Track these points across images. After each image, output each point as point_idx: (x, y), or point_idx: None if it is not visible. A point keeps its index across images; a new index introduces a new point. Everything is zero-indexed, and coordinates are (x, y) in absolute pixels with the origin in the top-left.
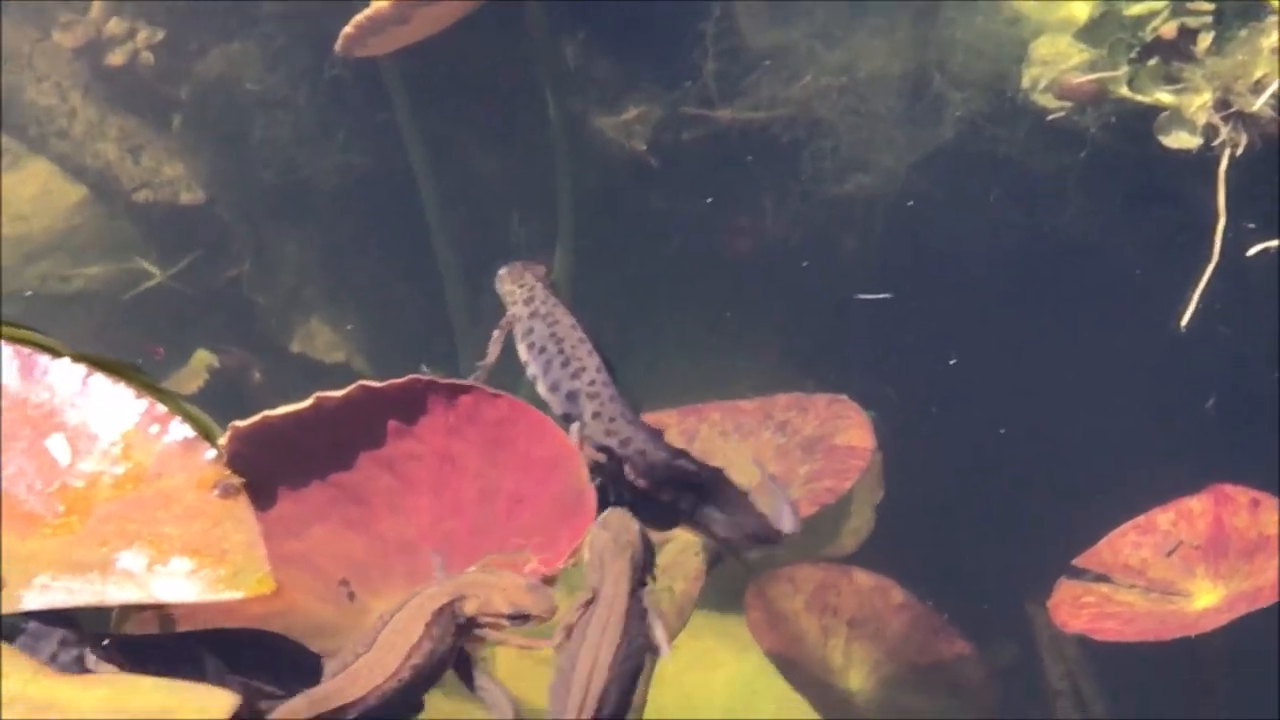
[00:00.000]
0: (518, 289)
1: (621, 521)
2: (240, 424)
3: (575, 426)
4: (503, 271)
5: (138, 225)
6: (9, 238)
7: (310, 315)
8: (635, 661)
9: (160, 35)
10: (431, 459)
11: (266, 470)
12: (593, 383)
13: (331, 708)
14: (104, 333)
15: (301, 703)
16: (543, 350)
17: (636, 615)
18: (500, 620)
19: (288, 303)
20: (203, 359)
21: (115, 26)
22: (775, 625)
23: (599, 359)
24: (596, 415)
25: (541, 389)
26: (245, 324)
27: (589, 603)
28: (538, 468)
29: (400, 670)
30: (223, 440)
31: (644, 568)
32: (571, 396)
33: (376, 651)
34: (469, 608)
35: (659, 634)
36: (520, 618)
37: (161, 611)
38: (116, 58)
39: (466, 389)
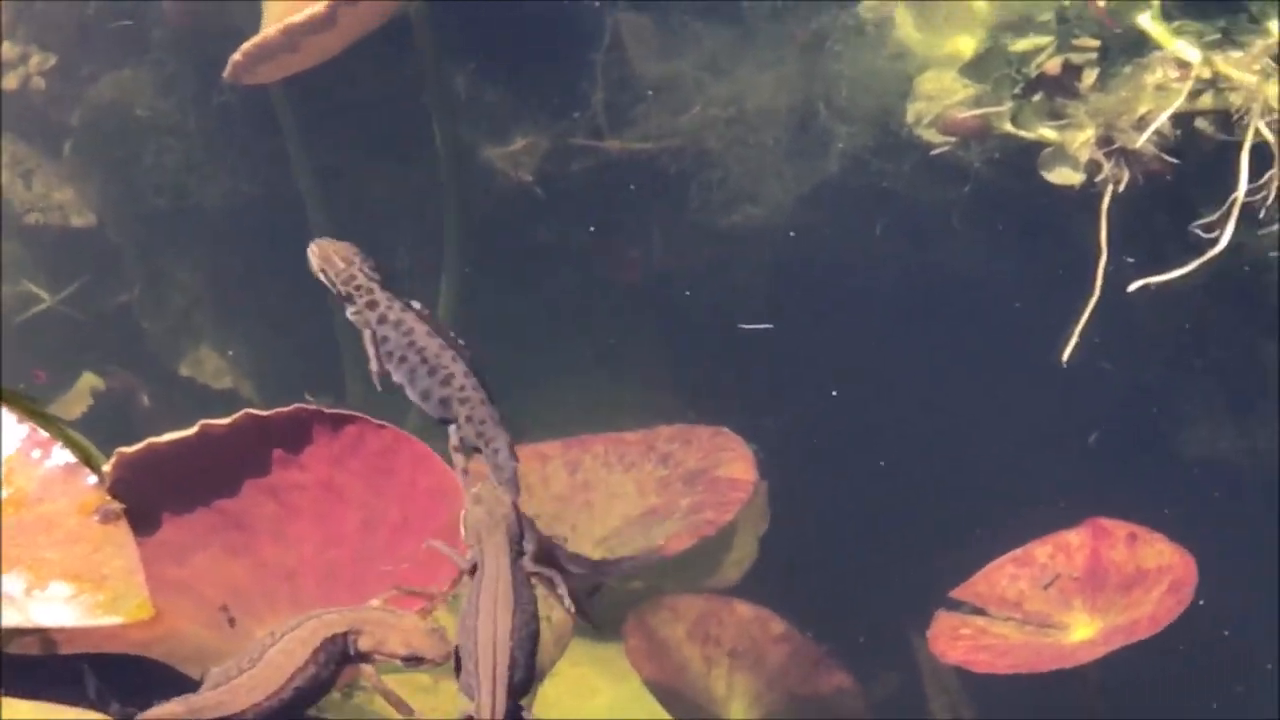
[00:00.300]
0: (342, 281)
1: (494, 495)
2: (126, 450)
3: (452, 429)
4: (313, 248)
5: (28, 248)
6: None
7: (199, 341)
8: (531, 627)
9: (52, 60)
10: (315, 487)
11: (151, 496)
12: (463, 388)
13: (208, 718)
14: None
15: (179, 707)
16: (404, 359)
17: (523, 583)
18: (393, 660)
19: (177, 327)
20: (88, 382)
21: (8, 51)
22: (655, 654)
23: (463, 362)
24: (469, 419)
25: (412, 395)
26: (135, 348)
27: (471, 573)
28: (422, 497)
29: (282, 690)
30: (106, 466)
31: (519, 539)
32: (444, 402)
33: (261, 668)
34: (363, 643)
35: (563, 595)
36: (414, 660)
37: (43, 635)
38: (9, 82)
39: (351, 419)
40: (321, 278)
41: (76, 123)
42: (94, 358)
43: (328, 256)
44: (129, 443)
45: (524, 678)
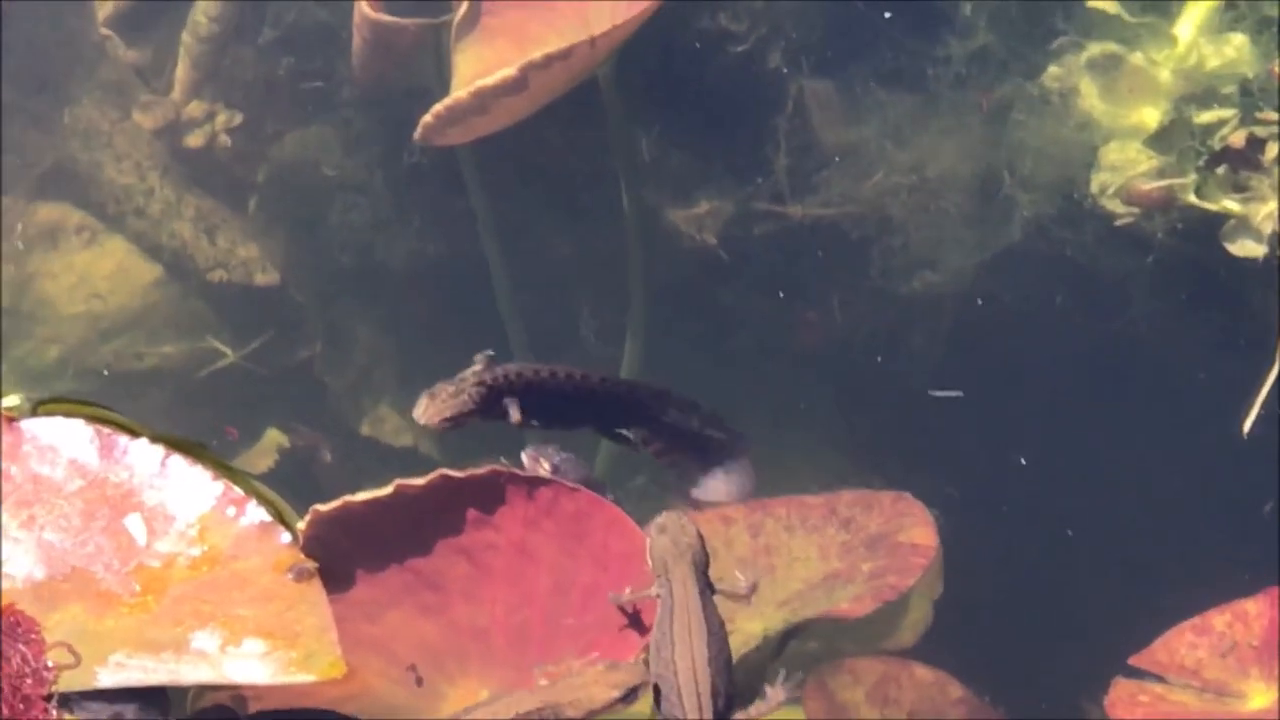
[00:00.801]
0: None
1: (679, 524)
2: (321, 508)
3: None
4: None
5: (211, 304)
6: (85, 315)
7: (380, 398)
8: (726, 653)
9: (239, 119)
10: (508, 549)
11: (345, 554)
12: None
13: None
14: (176, 411)
15: None
16: None
17: (712, 609)
18: (614, 704)
19: (358, 385)
20: (274, 439)
21: (194, 109)
22: (835, 716)
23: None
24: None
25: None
26: (316, 405)
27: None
28: (614, 562)
29: None
30: (301, 524)
31: (705, 565)
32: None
33: None
34: (571, 713)
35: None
36: (630, 693)
37: (234, 693)
38: (195, 139)
39: (545, 482)
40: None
41: (262, 179)
42: (275, 414)
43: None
44: (312, 500)
45: (726, 704)
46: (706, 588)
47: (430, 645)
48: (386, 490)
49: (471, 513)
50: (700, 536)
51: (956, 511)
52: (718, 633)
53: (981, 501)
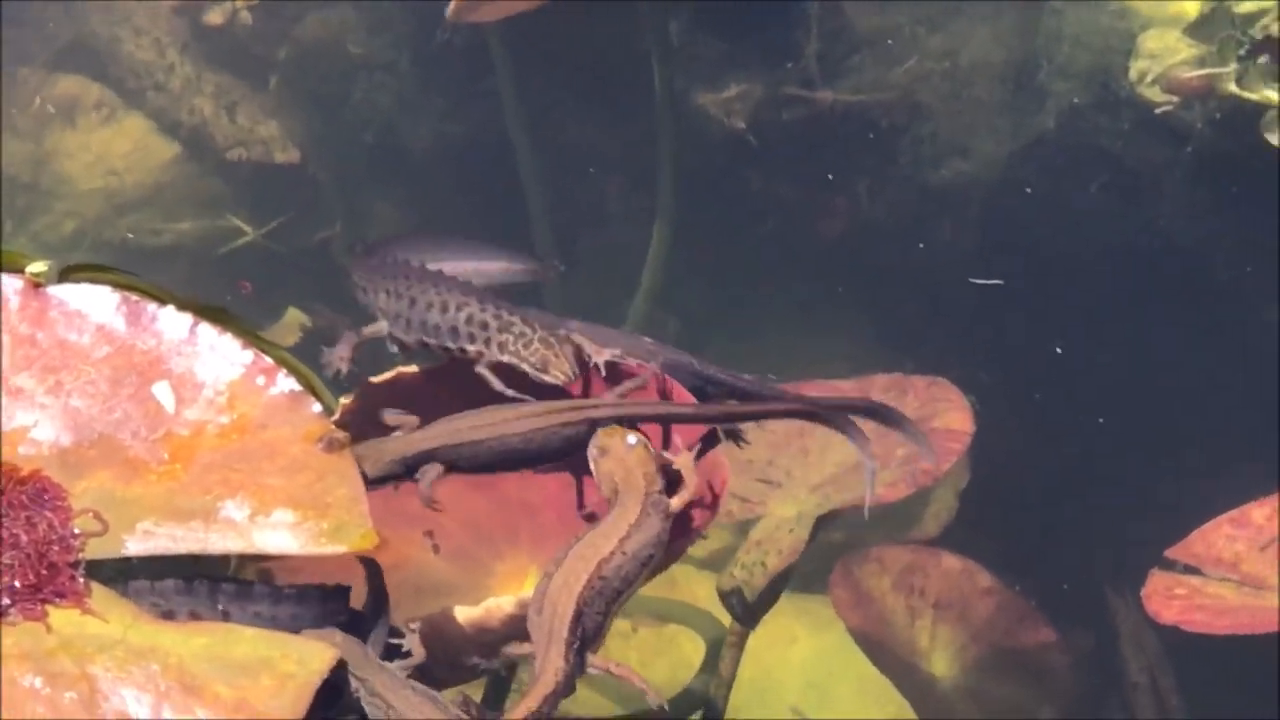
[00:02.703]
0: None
1: (621, 443)
2: (373, 379)
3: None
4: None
5: (229, 183)
6: (102, 190)
7: None
8: (618, 590)
9: None
10: None
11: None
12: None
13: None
14: (193, 287)
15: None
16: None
17: (644, 541)
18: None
19: None
20: (296, 317)
21: None
22: (861, 604)
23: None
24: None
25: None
26: (333, 285)
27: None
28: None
29: None
30: (346, 399)
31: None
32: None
33: None
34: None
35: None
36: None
37: (262, 566)
38: (215, 17)
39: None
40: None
41: (283, 57)
42: (292, 293)
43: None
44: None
45: (580, 644)
46: (652, 512)
47: (479, 520)
48: (442, 362)
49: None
50: (649, 455)
51: (988, 400)
52: (624, 570)
53: (1012, 390)
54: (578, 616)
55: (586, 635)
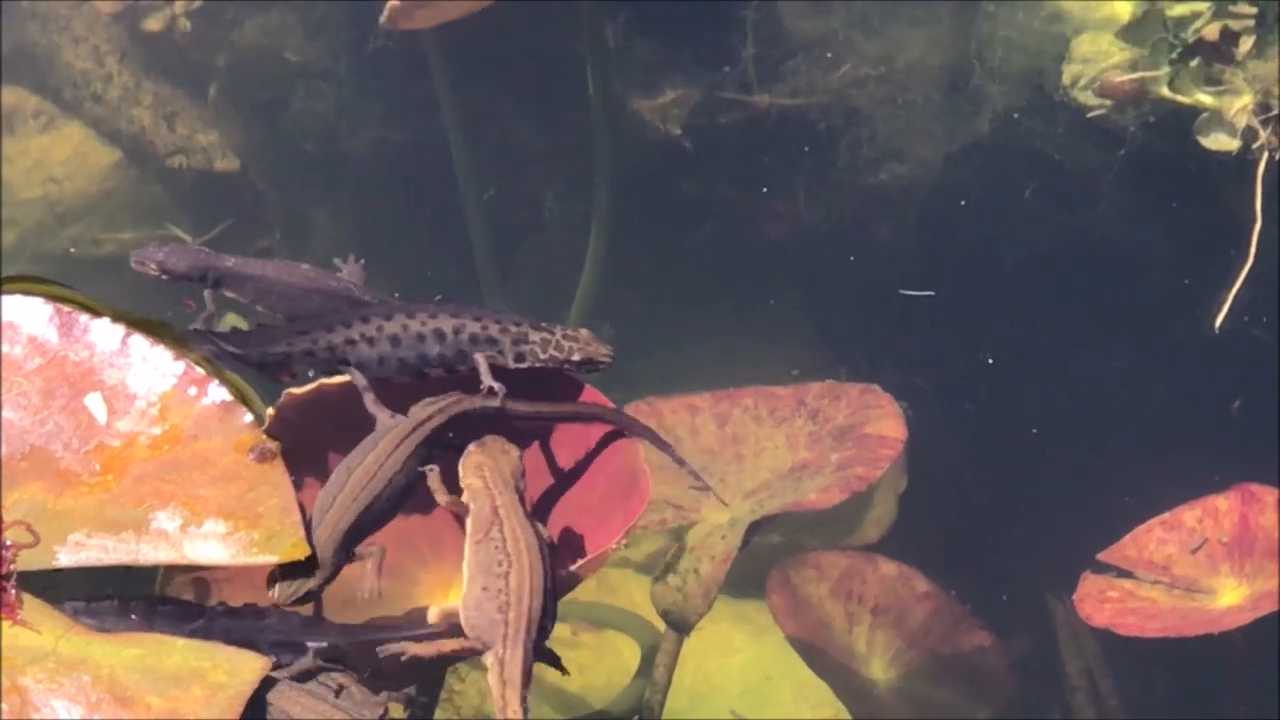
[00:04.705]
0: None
1: (498, 444)
2: (295, 390)
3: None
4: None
5: (170, 191)
6: (41, 199)
7: None
8: (550, 575)
9: (198, 3)
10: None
11: (319, 437)
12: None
13: None
14: (133, 299)
15: None
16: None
17: (538, 528)
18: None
19: None
20: (231, 324)
21: None
22: (799, 611)
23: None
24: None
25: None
26: None
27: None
28: (596, 443)
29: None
30: (271, 409)
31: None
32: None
33: None
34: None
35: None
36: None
37: (198, 578)
38: (154, 24)
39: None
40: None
41: (222, 65)
42: (233, 302)
43: None
44: (271, 388)
45: (541, 632)
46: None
47: (403, 529)
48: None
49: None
50: (519, 458)
51: (922, 406)
52: (545, 555)
53: (947, 396)
54: (545, 611)
55: (544, 629)
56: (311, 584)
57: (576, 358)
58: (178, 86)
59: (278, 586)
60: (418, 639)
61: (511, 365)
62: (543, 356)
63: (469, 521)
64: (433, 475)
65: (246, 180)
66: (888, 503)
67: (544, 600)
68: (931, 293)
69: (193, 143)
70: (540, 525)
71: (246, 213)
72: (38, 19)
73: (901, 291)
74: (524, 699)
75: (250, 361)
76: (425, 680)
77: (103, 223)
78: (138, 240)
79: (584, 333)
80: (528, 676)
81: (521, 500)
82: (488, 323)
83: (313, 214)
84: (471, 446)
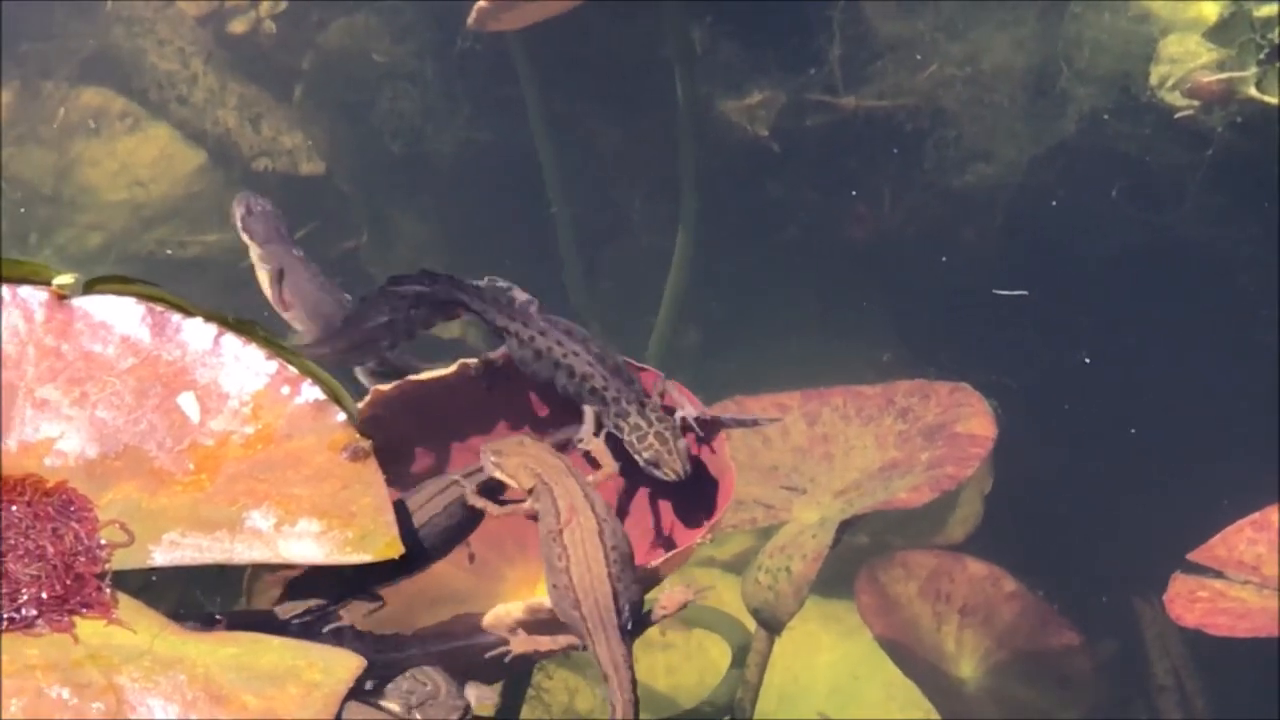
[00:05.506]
0: None
1: (525, 442)
2: (382, 387)
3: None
4: None
5: (255, 192)
6: (127, 202)
7: None
8: (624, 550)
9: (283, 6)
10: None
11: (406, 434)
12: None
13: None
14: (219, 300)
15: None
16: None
17: (604, 507)
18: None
19: None
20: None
21: None
22: (887, 610)
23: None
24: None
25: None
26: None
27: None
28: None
29: None
30: (361, 404)
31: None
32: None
33: None
34: None
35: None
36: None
37: (287, 575)
38: (238, 26)
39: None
40: None
41: (307, 66)
42: None
43: None
44: (359, 389)
45: (631, 610)
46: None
47: (489, 526)
48: (450, 369)
49: (534, 392)
50: (541, 442)
51: (1009, 405)
52: (617, 533)
53: (1032, 396)
54: (617, 596)
55: (632, 609)
56: (314, 605)
57: (647, 455)
58: (263, 89)
59: (285, 604)
60: (513, 640)
61: (597, 430)
62: (624, 438)
63: (539, 521)
64: (470, 491)
65: (331, 183)
66: (974, 502)
67: (611, 586)
68: (1025, 292)
69: (278, 145)
70: (608, 509)
71: (332, 215)
72: (122, 22)
73: (995, 291)
74: (628, 686)
75: (437, 299)
76: (513, 677)
77: (188, 225)
78: (223, 242)
79: (681, 444)
80: (628, 663)
81: (581, 485)
82: (608, 386)
83: (398, 216)
84: (492, 456)
